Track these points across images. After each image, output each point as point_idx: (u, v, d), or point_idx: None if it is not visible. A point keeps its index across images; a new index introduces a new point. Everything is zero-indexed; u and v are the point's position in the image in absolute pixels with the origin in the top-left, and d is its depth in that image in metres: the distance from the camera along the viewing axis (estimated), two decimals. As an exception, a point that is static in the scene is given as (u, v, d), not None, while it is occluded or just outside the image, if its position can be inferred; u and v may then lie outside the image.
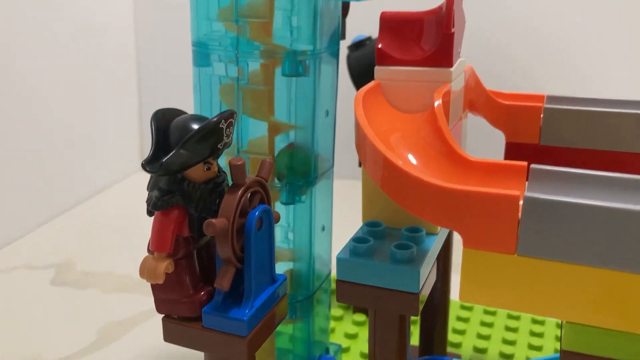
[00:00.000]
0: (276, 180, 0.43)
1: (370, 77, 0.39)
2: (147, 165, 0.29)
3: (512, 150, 0.46)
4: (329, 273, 0.49)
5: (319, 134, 0.43)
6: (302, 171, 0.43)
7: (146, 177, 0.32)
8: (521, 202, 0.29)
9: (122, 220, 0.82)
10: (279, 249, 0.45)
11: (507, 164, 0.33)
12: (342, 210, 0.54)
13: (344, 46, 0.50)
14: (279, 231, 0.45)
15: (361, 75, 0.55)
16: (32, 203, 0.81)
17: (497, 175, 0.33)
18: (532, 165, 0.32)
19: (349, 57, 0.56)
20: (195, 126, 0.30)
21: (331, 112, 0.45)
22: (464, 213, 0.30)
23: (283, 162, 0.43)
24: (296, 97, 0.42)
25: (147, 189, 0.32)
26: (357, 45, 0.55)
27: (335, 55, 0.44)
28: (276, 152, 0.42)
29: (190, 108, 0.44)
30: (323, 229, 0.46)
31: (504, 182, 0.33)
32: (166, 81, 0.97)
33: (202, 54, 0.42)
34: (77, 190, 0.89)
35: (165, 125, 0.31)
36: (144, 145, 1.03)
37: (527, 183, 0.32)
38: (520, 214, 0.29)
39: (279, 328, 0.45)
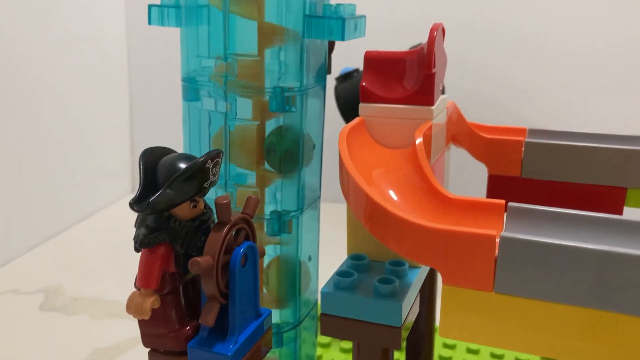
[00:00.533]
0: (265, 212, 0.44)
1: (357, 108, 0.40)
2: (134, 204, 0.30)
3: (495, 183, 0.47)
4: (316, 301, 0.49)
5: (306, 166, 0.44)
6: (289, 202, 0.44)
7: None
8: (498, 240, 0.30)
9: (111, 244, 0.83)
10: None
11: (485, 202, 0.34)
12: (335, 233, 0.55)
13: (331, 78, 0.51)
14: (266, 259, 0.46)
15: (348, 105, 0.56)
16: (21, 226, 0.81)
17: (476, 213, 0.34)
18: (510, 204, 0.33)
19: (336, 88, 0.57)
20: (182, 165, 0.31)
21: (318, 144, 0.46)
22: (442, 251, 0.31)
23: (270, 192, 0.44)
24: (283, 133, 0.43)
25: (135, 226, 0.33)
26: (344, 77, 0.56)
27: (322, 89, 0.45)
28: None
29: (181, 133, 0.45)
30: (309, 259, 0.47)
31: (483, 219, 0.34)
32: (157, 105, 0.97)
33: (191, 89, 0.43)
34: (66, 214, 0.89)
35: (154, 164, 0.32)
36: (135, 169, 1.04)
37: (504, 220, 0.33)
38: (497, 252, 0.30)
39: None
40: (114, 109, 0.99)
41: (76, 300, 0.69)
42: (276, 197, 0.44)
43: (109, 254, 0.80)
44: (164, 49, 0.80)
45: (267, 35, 0.40)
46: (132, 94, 1.00)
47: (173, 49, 0.46)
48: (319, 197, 0.48)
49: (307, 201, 0.45)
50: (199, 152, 0.44)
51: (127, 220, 0.32)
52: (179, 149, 0.45)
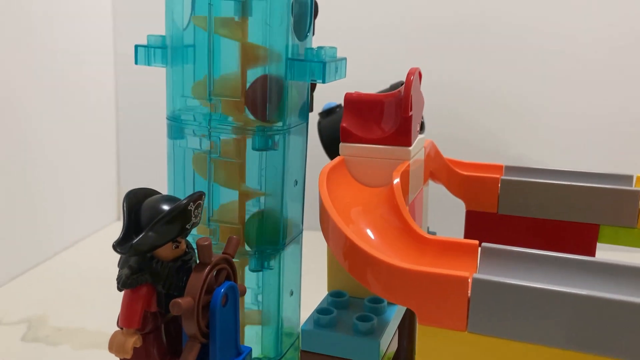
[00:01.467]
0: (246, 246, 0.44)
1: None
2: (117, 246, 0.31)
3: (472, 218, 0.49)
4: (299, 334, 0.50)
5: (288, 202, 0.45)
6: (270, 238, 0.44)
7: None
8: (470, 281, 0.31)
9: (96, 273, 0.83)
10: (248, 310, 0.46)
11: (460, 242, 0.35)
12: (321, 260, 0.55)
13: (315, 113, 0.52)
14: (249, 292, 0.47)
15: (331, 140, 0.57)
16: (4, 255, 0.81)
17: (452, 253, 0.35)
18: (483, 244, 0.34)
19: (320, 123, 0.59)
20: (165, 208, 0.32)
21: (300, 181, 0.47)
22: (416, 292, 0.32)
23: (253, 228, 0.45)
24: (266, 169, 0.44)
25: (118, 266, 0.33)
26: (327, 113, 0.58)
27: (304, 127, 0.47)
28: (246, 218, 0.44)
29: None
30: (291, 293, 0.48)
31: (458, 259, 0.35)
32: (144, 137, 0.98)
33: (176, 127, 0.44)
34: (51, 243, 0.89)
35: (137, 205, 0.33)
36: (121, 198, 1.04)
37: (478, 261, 0.34)
38: (469, 293, 0.31)
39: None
40: (101, 139, 0.99)
41: (60, 330, 0.69)
42: (262, 231, 0.45)
43: (93, 283, 0.80)
44: (152, 84, 0.82)
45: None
46: (119, 125, 1.01)
47: (161, 85, 0.47)
48: (302, 232, 0.49)
49: (290, 237, 0.46)
50: (183, 190, 0.45)
51: (111, 250, 0.33)
52: (165, 181, 0.46)
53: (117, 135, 1.01)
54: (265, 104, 0.41)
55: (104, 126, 1.00)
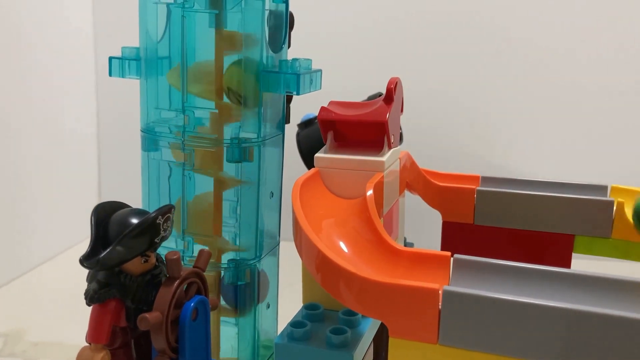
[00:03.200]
0: (222, 259, 0.44)
1: None
2: (84, 261, 0.30)
3: (449, 229, 0.49)
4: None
5: (264, 214, 0.45)
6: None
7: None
8: (441, 292, 0.31)
9: (74, 287, 0.81)
10: (226, 325, 0.46)
11: (432, 253, 0.35)
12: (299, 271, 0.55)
13: (292, 124, 0.52)
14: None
15: (309, 150, 0.57)
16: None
17: (424, 265, 0.35)
18: (455, 256, 0.34)
19: (298, 135, 0.58)
20: (133, 221, 0.31)
21: (276, 193, 0.47)
22: (387, 304, 0.31)
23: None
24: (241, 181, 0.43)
25: (86, 280, 0.33)
26: (306, 124, 0.58)
27: (280, 139, 0.46)
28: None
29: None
30: (268, 306, 0.47)
31: (430, 271, 0.35)
32: (126, 148, 0.97)
33: (150, 139, 0.43)
34: (28, 257, 0.88)
35: (106, 219, 0.32)
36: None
37: (450, 272, 0.34)
38: (440, 305, 0.31)
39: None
40: (82, 153, 0.98)
41: (36, 345, 0.68)
42: (236, 244, 0.45)
43: (70, 297, 0.79)
44: (135, 97, 0.82)
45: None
46: (100, 138, 1.00)
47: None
48: (278, 244, 0.48)
49: (266, 248, 0.46)
50: (158, 203, 0.44)
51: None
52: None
53: (99, 149, 1.01)
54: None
55: (85, 140, 0.99)
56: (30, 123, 0.87)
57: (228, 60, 0.42)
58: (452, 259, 0.34)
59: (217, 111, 0.42)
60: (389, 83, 0.41)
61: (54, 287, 0.83)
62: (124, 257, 0.31)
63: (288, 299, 0.51)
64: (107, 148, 1.00)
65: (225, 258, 0.44)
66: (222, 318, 0.46)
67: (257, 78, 0.42)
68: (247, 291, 0.45)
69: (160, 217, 0.32)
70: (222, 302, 0.45)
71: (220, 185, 0.43)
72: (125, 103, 0.91)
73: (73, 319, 0.74)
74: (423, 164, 0.51)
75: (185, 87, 0.42)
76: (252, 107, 0.42)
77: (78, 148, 0.97)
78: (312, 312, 0.39)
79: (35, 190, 0.89)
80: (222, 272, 0.44)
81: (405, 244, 0.51)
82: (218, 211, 0.43)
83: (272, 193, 0.46)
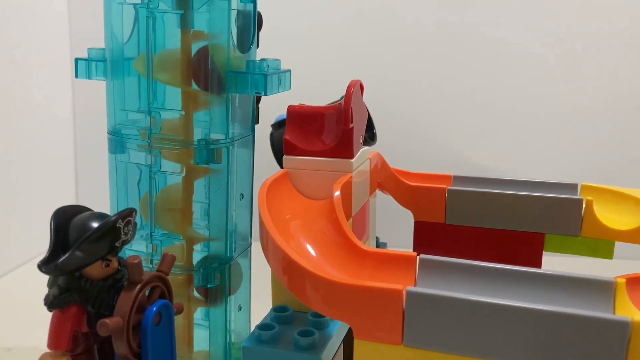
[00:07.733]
0: (193, 264, 0.43)
1: None
2: (43, 266, 0.30)
3: (420, 229, 0.49)
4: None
5: (234, 216, 0.45)
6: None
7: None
8: (405, 293, 0.31)
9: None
10: (197, 327, 0.46)
11: (398, 254, 0.35)
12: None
13: (262, 125, 0.52)
14: (199, 309, 0.46)
15: (281, 150, 0.57)
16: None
17: (390, 265, 0.35)
18: (421, 256, 0.34)
19: (272, 135, 0.58)
20: (93, 225, 0.31)
21: (247, 194, 0.46)
22: (351, 306, 0.31)
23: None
24: (210, 183, 0.43)
25: (47, 285, 0.32)
26: (279, 124, 0.57)
27: (250, 140, 0.46)
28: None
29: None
30: (240, 308, 0.47)
31: (397, 271, 0.35)
32: (104, 153, 0.96)
33: (117, 141, 0.43)
34: (2, 262, 0.87)
35: (66, 223, 0.32)
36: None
37: (416, 273, 0.34)
38: (404, 306, 0.31)
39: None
40: (58, 159, 0.97)
41: (10, 350, 0.67)
42: (208, 247, 0.45)
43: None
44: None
45: (191, 94, 0.41)
46: (77, 144, 0.99)
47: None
48: (250, 246, 0.48)
49: (238, 250, 0.46)
50: (126, 205, 0.44)
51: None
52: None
53: (75, 153, 0.99)
54: (208, 71, 0.40)
55: (60, 146, 0.98)
56: (3, 126, 0.86)
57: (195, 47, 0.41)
58: (417, 259, 0.34)
59: (183, 112, 0.41)
60: (349, 86, 0.39)
61: (28, 291, 0.82)
62: (83, 262, 0.30)
63: (262, 302, 0.51)
64: (84, 152, 0.99)
65: (195, 259, 0.44)
66: (195, 321, 0.45)
67: (224, 78, 0.41)
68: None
69: (120, 220, 0.31)
70: (195, 293, 0.44)
71: (190, 173, 0.43)
72: (102, 105, 0.90)
73: (47, 324, 0.73)
74: (398, 162, 0.51)
75: (151, 75, 0.41)
76: (220, 108, 0.42)
77: (54, 152, 0.96)
78: (281, 314, 0.39)
79: (9, 195, 0.88)
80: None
81: (378, 244, 0.51)
82: (188, 199, 0.42)
83: (242, 195, 0.46)
